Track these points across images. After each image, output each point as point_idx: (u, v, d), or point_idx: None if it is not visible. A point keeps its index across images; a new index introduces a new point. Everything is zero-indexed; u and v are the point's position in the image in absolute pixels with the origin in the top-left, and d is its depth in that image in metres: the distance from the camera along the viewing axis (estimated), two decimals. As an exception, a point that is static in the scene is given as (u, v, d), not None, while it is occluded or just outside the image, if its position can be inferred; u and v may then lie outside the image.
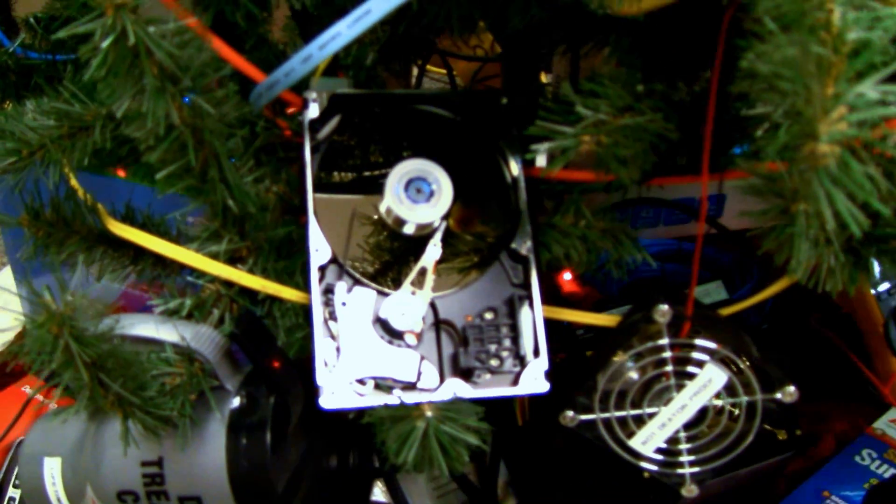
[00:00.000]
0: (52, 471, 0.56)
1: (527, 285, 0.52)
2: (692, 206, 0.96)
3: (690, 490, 0.54)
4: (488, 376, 0.51)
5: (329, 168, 0.60)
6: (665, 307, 0.50)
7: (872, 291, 0.85)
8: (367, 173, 0.60)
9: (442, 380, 0.50)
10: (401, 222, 0.52)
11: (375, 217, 0.53)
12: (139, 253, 0.58)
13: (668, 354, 0.51)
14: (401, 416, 0.47)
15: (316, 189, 0.52)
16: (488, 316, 0.52)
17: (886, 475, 0.77)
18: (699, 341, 0.51)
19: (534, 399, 0.76)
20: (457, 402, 0.49)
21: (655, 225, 0.99)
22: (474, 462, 0.76)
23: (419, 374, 0.50)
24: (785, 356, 0.51)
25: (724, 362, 0.51)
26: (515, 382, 0.51)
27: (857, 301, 0.87)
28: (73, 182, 0.59)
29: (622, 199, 0.90)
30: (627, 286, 0.85)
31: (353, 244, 0.54)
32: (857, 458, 0.79)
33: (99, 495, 0.55)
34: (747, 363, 0.51)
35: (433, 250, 0.52)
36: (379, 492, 0.75)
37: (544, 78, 0.83)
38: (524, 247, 0.52)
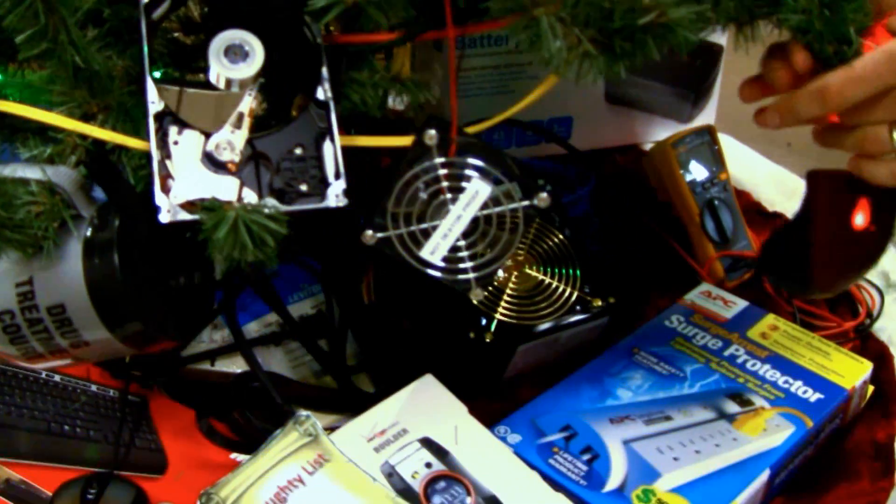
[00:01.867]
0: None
1: (328, 124, 0.68)
2: (541, 126, 1.14)
3: (477, 294, 0.69)
4: (299, 197, 0.67)
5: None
6: (432, 132, 0.66)
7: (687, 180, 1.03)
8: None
9: (260, 199, 0.66)
10: (229, 82, 0.68)
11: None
12: (13, 132, 0.73)
13: (440, 172, 0.67)
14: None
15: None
16: (298, 151, 0.68)
17: (690, 334, 0.93)
18: (465, 159, 0.67)
19: (378, 282, 0.92)
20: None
21: (508, 147, 1.16)
22: (326, 336, 0.92)
23: (240, 195, 0.66)
24: (534, 171, 0.67)
25: (488, 177, 0.67)
26: (322, 200, 0.67)
27: (676, 196, 1.04)
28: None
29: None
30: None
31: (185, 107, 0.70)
32: (667, 322, 0.95)
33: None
34: (507, 176, 0.67)
35: (248, 99, 0.68)
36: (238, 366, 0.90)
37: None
38: (326, 95, 0.69)
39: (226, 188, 0.65)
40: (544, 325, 0.90)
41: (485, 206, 0.67)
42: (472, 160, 0.67)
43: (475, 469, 0.74)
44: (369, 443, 0.74)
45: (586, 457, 0.79)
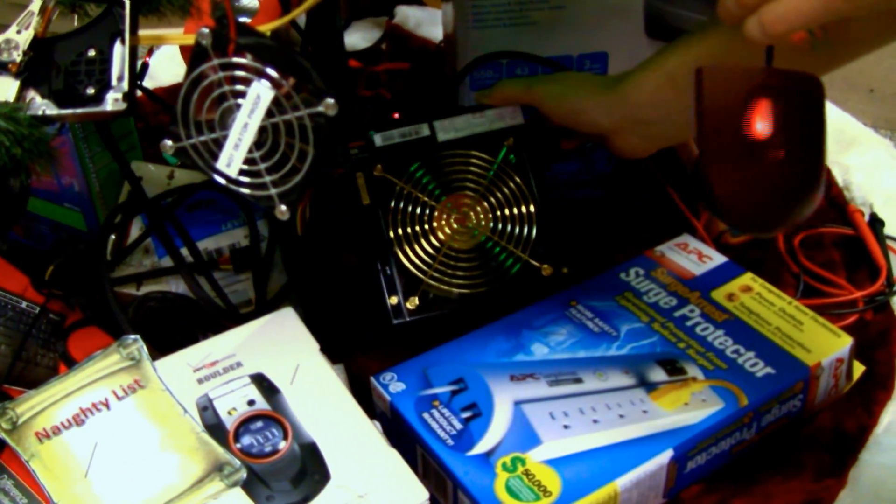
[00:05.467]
0: None
1: (124, 25, 0.63)
2: (569, 66, 1.03)
3: (282, 212, 0.62)
4: (84, 101, 0.62)
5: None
6: (206, 29, 0.59)
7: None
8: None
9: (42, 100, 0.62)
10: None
11: None
12: None
13: (219, 75, 0.60)
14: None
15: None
16: (92, 53, 0.63)
17: (643, 289, 0.81)
18: (245, 60, 0.59)
19: (315, 213, 0.86)
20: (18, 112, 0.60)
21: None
22: (251, 269, 0.87)
23: (20, 96, 0.62)
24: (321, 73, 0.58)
25: (273, 82, 0.59)
26: (99, 105, 0.62)
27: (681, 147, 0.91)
28: None
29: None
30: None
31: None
32: (622, 275, 0.83)
33: None
34: (292, 81, 0.59)
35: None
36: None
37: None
38: (125, -5, 0.64)
39: (3, 89, 0.61)
40: (479, 296, 0.80)
41: (272, 113, 0.60)
42: (251, 61, 0.59)
43: (303, 413, 0.67)
44: (195, 373, 0.69)
45: (466, 415, 0.70)
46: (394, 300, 0.79)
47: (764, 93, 0.57)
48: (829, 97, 0.99)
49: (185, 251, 0.86)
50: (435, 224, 0.81)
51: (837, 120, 1.00)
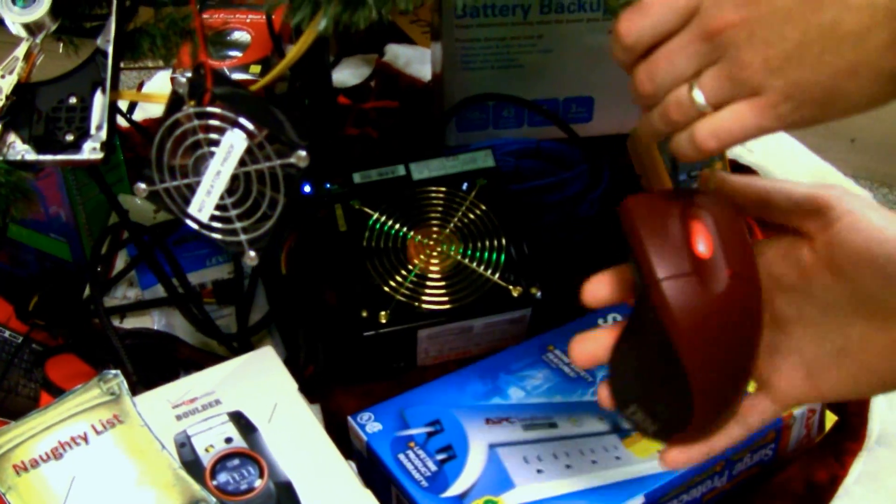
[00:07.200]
0: None
1: (106, 74, 0.65)
2: (555, 109, 1.05)
3: (251, 258, 0.63)
4: (63, 148, 0.64)
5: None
6: (182, 78, 0.61)
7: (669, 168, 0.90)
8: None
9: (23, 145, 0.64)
10: (35, 29, 0.66)
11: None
12: None
13: (194, 123, 0.61)
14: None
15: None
16: (73, 101, 0.65)
17: (620, 334, 0.82)
18: (219, 110, 0.61)
19: (297, 251, 0.88)
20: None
21: (520, 126, 1.08)
22: (235, 304, 0.88)
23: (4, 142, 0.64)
24: (303, 122, 0.60)
25: (247, 132, 0.61)
26: (77, 153, 0.64)
27: (656, 186, 0.92)
28: None
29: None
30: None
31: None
32: (600, 321, 0.84)
33: None
34: (265, 132, 0.61)
35: (25, 44, 0.65)
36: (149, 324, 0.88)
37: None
38: (107, 45, 0.65)
39: (-12, 138, 0.63)
40: (449, 312, 0.82)
41: (244, 162, 0.61)
42: (226, 111, 0.61)
43: (279, 452, 0.68)
44: (174, 409, 0.70)
45: (441, 457, 0.72)
46: (365, 313, 0.81)
47: (697, 215, 0.56)
48: (810, 146, 1.02)
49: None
50: (408, 248, 0.86)
51: (818, 169, 1.02)
